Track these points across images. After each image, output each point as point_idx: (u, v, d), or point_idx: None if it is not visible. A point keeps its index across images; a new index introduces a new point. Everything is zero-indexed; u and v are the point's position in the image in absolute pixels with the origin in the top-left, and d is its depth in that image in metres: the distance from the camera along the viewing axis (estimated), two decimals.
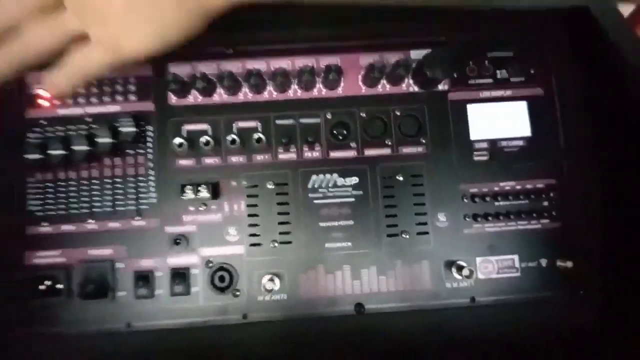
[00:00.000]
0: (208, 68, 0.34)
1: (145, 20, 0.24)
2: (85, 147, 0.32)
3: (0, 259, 0.32)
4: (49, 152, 0.32)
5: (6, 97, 0.33)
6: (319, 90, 0.35)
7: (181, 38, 0.25)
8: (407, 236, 0.33)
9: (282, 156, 0.34)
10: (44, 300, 0.32)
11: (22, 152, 0.33)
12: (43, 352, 0.32)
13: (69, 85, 0.27)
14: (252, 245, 0.33)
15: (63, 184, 0.33)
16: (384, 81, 0.35)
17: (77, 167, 0.33)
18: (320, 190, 0.34)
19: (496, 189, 0.34)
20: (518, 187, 0.34)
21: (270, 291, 0.32)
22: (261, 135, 0.33)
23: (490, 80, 0.35)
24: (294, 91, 0.35)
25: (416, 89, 0.35)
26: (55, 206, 0.33)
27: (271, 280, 0.32)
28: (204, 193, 0.32)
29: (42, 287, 0.32)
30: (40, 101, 0.34)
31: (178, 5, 0.24)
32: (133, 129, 0.32)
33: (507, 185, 0.34)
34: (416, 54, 0.35)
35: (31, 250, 0.33)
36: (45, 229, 0.33)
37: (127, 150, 0.33)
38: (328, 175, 0.34)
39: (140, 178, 0.33)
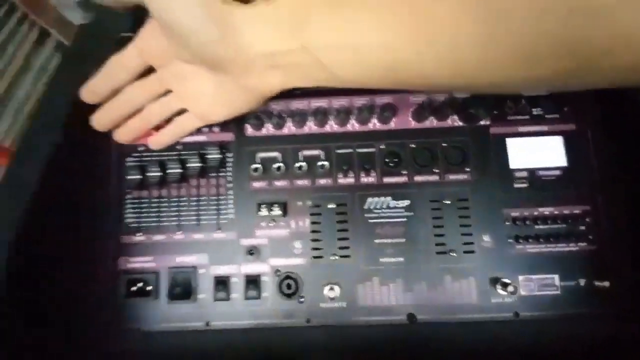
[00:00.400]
0: (280, 106, 0.40)
1: (225, 102, 0.34)
2: (178, 170, 0.38)
3: (99, 264, 0.38)
4: (147, 173, 0.39)
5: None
6: (374, 124, 0.40)
7: (251, 109, 0.36)
8: (455, 254, 0.37)
9: (342, 181, 0.39)
10: (135, 300, 0.37)
11: (123, 173, 0.39)
12: (132, 347, 0.37)
13: (169, 141, 0.39)
14: (315, 257, 0.37)
15: (156, 200, 0.39)
16: (431, 117, 0.39)
17: (168, 186, 0.39)
18: (375, 211, 0.38)
19: (536, 213, 0.37)
20: (556, 212, 0.37)
21: (332, 299, 0.36)
22: (324, 163, 0.38)
23: (527, 117, 0.39)
24: (352, 125, 0.40)
25: (460, 123, 0.39)
26: (149, 219, 0.39)
27: (331, 289, 0.36)
28: (277, 211, 0.37)
29: (134, 288, 0.38)
30: None
31: (247, 96, 0.34)
32: (219, 156, 0.38)
33: (546, 210, 0.37)
34: (460, 93, 0.40)
35: (126, 257, 0.38)
36: (139, 238, 0.39)
37: (211, 174, 0.39)
38: (382, 198, 0.38)
39: (221, 197, 0.39)
